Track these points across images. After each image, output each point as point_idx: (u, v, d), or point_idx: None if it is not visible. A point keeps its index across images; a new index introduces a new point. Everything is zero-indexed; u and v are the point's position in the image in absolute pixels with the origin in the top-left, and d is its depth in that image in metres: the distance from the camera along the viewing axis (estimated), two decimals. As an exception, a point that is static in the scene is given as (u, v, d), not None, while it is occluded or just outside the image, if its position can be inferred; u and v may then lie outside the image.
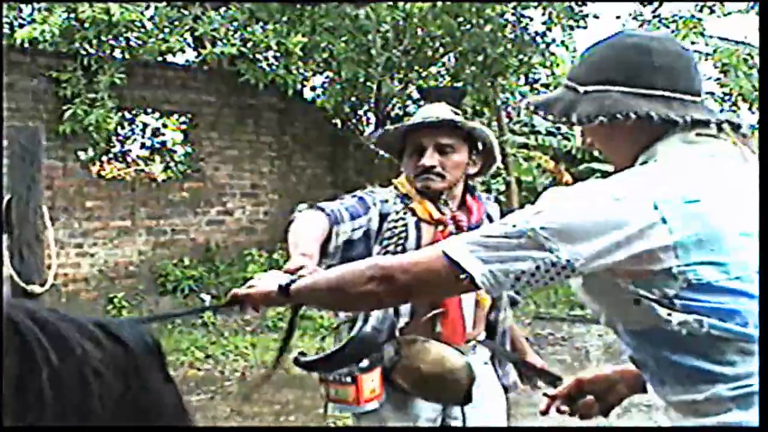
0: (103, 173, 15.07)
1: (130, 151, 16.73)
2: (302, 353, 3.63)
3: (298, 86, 15.84)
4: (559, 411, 2.81)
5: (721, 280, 2.13)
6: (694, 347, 2.14)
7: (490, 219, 4.10)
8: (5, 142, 4.91)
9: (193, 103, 15.13)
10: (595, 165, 13.59)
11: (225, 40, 13.80)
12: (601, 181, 2.27)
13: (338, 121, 17.29)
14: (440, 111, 4.03)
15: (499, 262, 2.18)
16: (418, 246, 3.92)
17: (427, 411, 4.00)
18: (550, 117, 2.43)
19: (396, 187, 4.10)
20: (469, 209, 4.08)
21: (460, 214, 4.03)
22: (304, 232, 3.66)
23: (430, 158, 3.94)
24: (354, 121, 18.15)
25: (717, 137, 2.33)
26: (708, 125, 2.31)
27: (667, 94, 2.33)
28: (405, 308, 3.92)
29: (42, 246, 4.77)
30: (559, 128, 16.88)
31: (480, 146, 4.06)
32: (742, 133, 2.37)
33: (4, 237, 4.59)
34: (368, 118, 18.38)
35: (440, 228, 3.99)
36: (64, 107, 13.05)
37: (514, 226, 2.19)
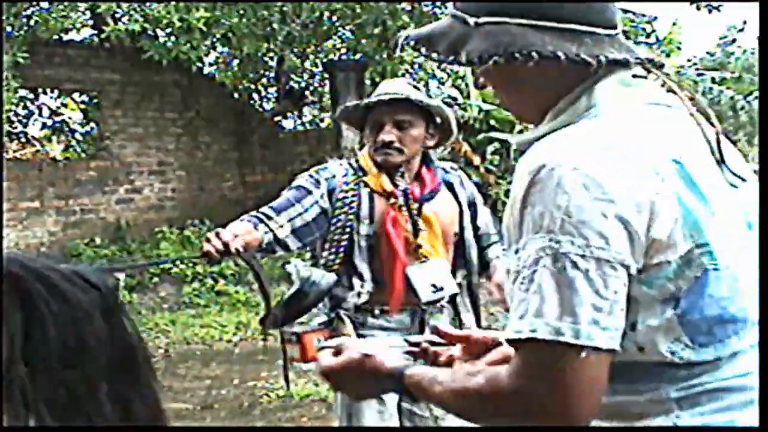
0: (4, 154, 14.86)
1: (26, 132, 16.52)
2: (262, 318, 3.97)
3: (201, 62, 15.76)
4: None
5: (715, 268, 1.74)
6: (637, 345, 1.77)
7: (450, 188, 4.29)
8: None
9: (96, 82, 15.01)
10: (493, 134, 13.73)
11: (127, 17, 13.68)
12: (578, 151, 1.72)
13: (240, 96, 17.24)
14: (399, 87, 4.18)
15: (596, 310, 1.65)
16: (371, 215, 4.16)
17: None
18: (435, 55, 1.96)
19: (357, 160, 4.28)
20: (422, 180, 4.23)
21: (414, 185, 4.19)
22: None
23: (388, 134, 4.11)
24: (255, 96, 18.13)
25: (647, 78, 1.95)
26: (627, 65, 1.89)
27: (575, 27, 1.87)
28: (361, 283, 4.12)
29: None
30: (455, 99, 17.01)
31: (438, 120, 4.21)
32: (665, 73, 1.97)
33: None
34: (268, 93, 18.39)
35: (391, 201, 4.17)
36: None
37: (550, 255, 1.67)
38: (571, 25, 1.87)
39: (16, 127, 15.63)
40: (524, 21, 1.87)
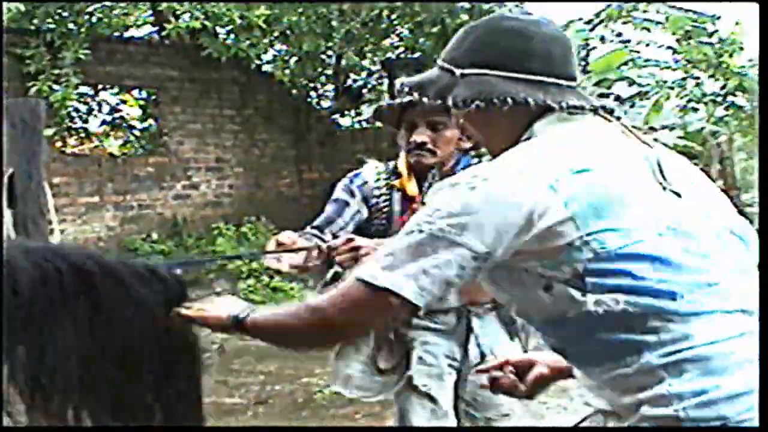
0: (65, 150, 14.96)
1: (86, 128, 16.62)
2: None
3: (260, 60, 15.79)
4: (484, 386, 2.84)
5: (626, 246, 2.08)
6: (612, 323, 2.09)
7: None
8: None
9: (155, 78, 15.07)
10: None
11: (188, 14, 13.73)
12: (486, 165, 2.24)
13: (298, 94, 17.24)
14: None
15: (423, 273, 2.11)
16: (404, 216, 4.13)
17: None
18: (425, 99, 2.39)
19: (396, 162, 4.24)
20: None
21: None
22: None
23: (421, 135, 4.06)
24: (313, 93, 18.13)
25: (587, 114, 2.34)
26: (583, 110, 2.30)
27: (543, 79, 2.32)
28: None
29: (45, 220, 4.76)
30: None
31: None
32: (616, 116, 2.38)
33: (9, 212, 4.58)
34: (326, 91, 18.38)
35: (413, 205, 4.11)
36: (29, 84, 12.94)
37: (420, 231, 2.14)
38: (539, 77, 2.33)
39: (75, 123, 15.71)
40: (501, 73, 2.33)
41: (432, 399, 4.09)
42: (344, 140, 16.93)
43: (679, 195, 2.21)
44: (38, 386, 2.59)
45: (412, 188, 4.12)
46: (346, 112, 18.36)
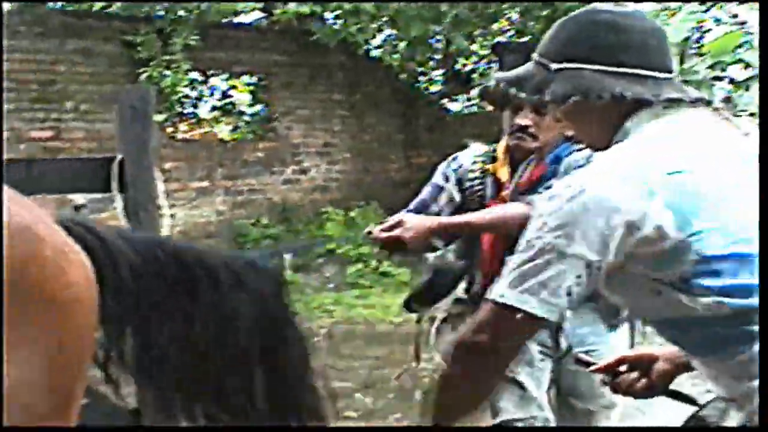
0: (175, 135, 15.15)
1: (196, 114, 16.82)
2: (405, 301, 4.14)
3: (368, 45, 15.82)
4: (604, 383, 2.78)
5: (727, 246, 2.11)
6: (723, 319, 2.12)
7: None
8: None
9: (264, 64, 15.19)
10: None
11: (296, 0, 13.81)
12: (582, 174, 2.28)
13: (407, 79, 17.22)
14: None
15: (542, 286, 2.16)
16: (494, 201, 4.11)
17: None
18: (522, 95, 2.40)
19: (496, 147, 4.21)
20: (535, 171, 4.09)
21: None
22: None
23: (524, 117, 3.97)
24: (422, 78, 18.10)
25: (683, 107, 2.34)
26: (680, 103, 2.31)
27: (639, 72, 2.31)
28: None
29: (155, 206, 4.81)
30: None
31: None
32: (714, 108, 2.38)
33: (120, 198, 4.63)
34: (435, 75, 18.34)
35: (503, 192, 4.10)
36: (140, 71, 13.13)
37: (531, 246, 2.18)
38: (635, 70, 2.31)
39: (186, 109, 15.91)
40: (597, 67, 2.31)
41: (520, 385, 4.07)
42: (453, 125, 16.87)
43: None
44: (147, 375, 2.63)
45: (503, 173, 4.07)
46: (455, 97, 18.30)
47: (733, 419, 2.27)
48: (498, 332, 2.23)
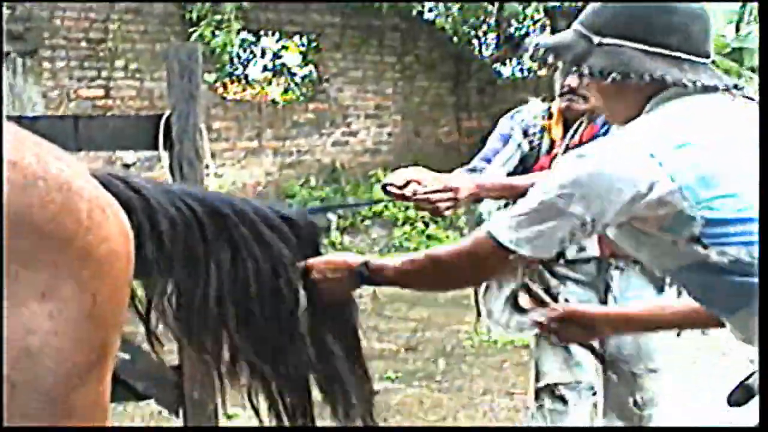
0: (225, 95, 15.21)
1: (246, 75, 16.87)
2: None
3: (422, 7, 15.77)
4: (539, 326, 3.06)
5: (738, 211, 2.18)
6: (740, 269, 2.19)
7: None
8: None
9: (316, 25, 15.18)
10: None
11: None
12: (601, 142, 2.41)
13: (460, 42, 17.16)
14: None
15: (540, 236, 2.30)
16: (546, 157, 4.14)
17: None
18: (560, 64, 2.61)
19: (551, 105, 4.22)
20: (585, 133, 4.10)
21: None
22: None
23: (574, 79, 3.96)
24: (475, 42, 18.03)
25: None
26: (716, 91, 2.34)
27: (680, 55, 2.34)
28: None
29: (200, 162, 4.84)
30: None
31: None
32: (743, 95, 2.39)
33: (166, 154, 4.66)
34: (488, 39, 18.27)
35: (554, 151, 4.10)
36: (191, 30, 13.16)
37: (541, 200, 2.29)
38: (676, 53, 2.33)
39: (236, 69, 15.96)
40: (639, 46, 2.34)
41: (565, 348, 4.08)
42: (504, 89, 16.81)
43: None
44: (188, 326, 2.65)
45: (556, 132, 4.09)
46: (508, 61, 18.22)
47: None
48: (482, 267, 2.47)
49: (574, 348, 4.08)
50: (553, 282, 4.06)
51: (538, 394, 4.20)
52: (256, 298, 2.70)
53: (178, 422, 4.56)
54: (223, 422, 4.91)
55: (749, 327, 2.25)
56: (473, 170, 4.04)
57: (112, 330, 2.24)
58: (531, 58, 4.29)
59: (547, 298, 4.02)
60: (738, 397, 2.43)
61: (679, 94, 2.34)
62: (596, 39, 2.38)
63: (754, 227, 2.17)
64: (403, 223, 13.71)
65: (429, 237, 13.57)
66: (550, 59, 2.48)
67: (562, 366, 4.11)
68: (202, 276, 2.62)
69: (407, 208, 13.50)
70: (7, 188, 1.96)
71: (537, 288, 4.07)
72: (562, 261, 4.09)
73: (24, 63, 11.92)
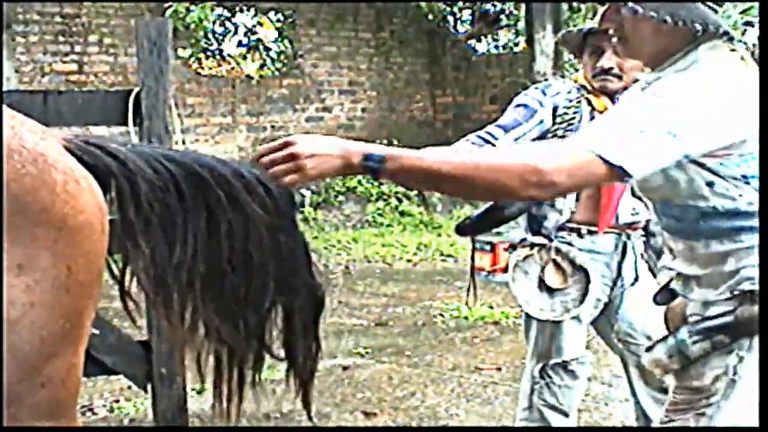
0: (200, 71, 15.19)
1: (221, 50, 16.84)
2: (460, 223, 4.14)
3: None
4: None
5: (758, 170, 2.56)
6: (739, 212, 2.57)
7: None
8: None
9: (291, 0, 15.14)
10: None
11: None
12: (703, 77, 2.53)
13: (435, 18, 17.17)
14: None
15: (649, 161, 2.45)
16: None
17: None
18: (639, 9, 2.52)
19: (575, 81, 4.26)
20: None
21: None
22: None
23: (608, 60, 4.06)
24: (450, 18, 18.04)
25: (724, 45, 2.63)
26: (732, 39, 2.60)
27: (711, 3, 2.57)
28: (563, 199, 4.10)
29: (170, 137, 4.87)
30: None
31: None
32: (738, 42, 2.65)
33: (134, 129, 4.69)
34: (463, 16, 18.28)
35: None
36: (166, 5, 13.14)
37: (657, 126, 2.43)
38: (717, 6, 2.57)
39: (211, 45, 15.94)
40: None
41: (578, 319, 4.18)
42: (479, 66, 16.82)
43: None
44: (161, 284, 2.66)
45: (600, 103, 4.12)
46: (483, 38, 18.24)
47: (696, 293, 2.73)
48: (582, 182, 2.51)
49: (585, 319, 4.19)
50: (577, 255, 4.12)
51: (544, 370, 4.24)
52: (226, 260, 2.72)
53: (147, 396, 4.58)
54: (192, 397, 4.97)
55: (702, 252, 2.67)
56: (485, 140, 4.01)
57: (87, 300, 2.27)
58: (560, 42, 4.35)
59: (576, 271, 4.10)
60: (664, 298, 2.94)
61: (713, 47, 2.59)
62: None
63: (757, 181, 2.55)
64: (377, 199, 13.76)
65: (402, 213, 13.63)
66: (630, 2, 2.55)
67: (575, 339, 4.20)
68: (178, 237, 2.63)
69: (381, 183, 13.54)
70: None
71: (564, 262, 4.15)
72: (584, 231, 4.15)
73: (-3, 37, 11.89)
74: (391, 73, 16.38)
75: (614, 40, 2.71)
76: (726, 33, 2.56)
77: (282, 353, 2.90)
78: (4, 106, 2.17)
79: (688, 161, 2.51)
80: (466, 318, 8.30)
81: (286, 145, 2.43)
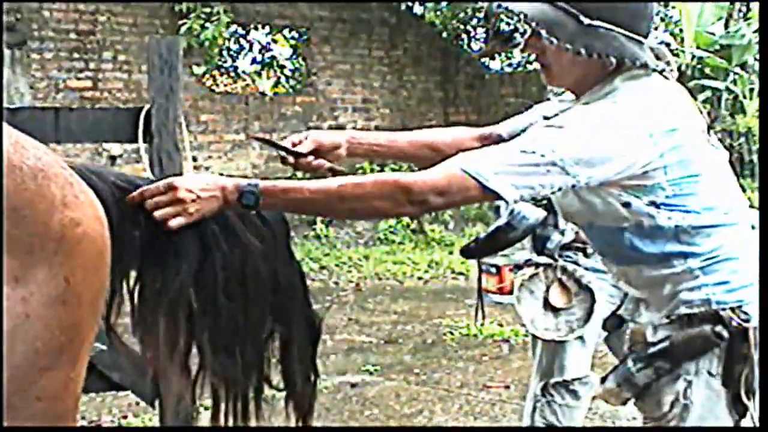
0: (215, 88, 15.24)
1: (236, 67, 16.90)
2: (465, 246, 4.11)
3: (411, 1, 15.82)
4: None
5: (698, 190, 2.55)
6: (668, 236, 2.58)
7: None
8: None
9: (305, 18, 15.19)
10: (706, 82, 13.37)
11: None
12: (605, 109, 2.53)
13: (448, 36, 17.20)
14: None
15: (530, 187, 2.44)
16: None
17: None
18: (553, 41, 2.51)
19: None
20: None
21: None
22: None
23: None
24: (464, 36, 18.08)
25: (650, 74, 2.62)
26: (662, 72, 2.61)
27: (641, 38, 2.57)
28: (567, 222, 4.05)
29: (180, 154, 4.88)
30: (669, 44, 16.62)
31: None
32: (664, 76, 2.64)
33: (144, 147, 4.71)
34: (477, 34, 18.31)
35: None
36: (180, 22, 13.20)
37: (542, 155, 2.42)
38: (640, 37, 2.57)
39: (226, 61, 16.00)
40: (626, 33, 2.53)
41: (581, 339, 4.18)
42: (492, 84, 16.86)
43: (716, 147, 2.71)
44: (150, 315, 2.67)
45: None
46: (496, 56, 18.27)
47: (644, 316, 2.78)
48: (458, 200, 2.52)
49: (589, 340, 4.18)
50: (583, 274, 4.12)
51: (546, 388, 4.24)
52: (222, 291, 2.72)
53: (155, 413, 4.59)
54: (201, 414, 4.97)
55: (645, 277, 2.70)
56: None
57: (87, 313, 2.25)
58: (499, 32, 4.37)
59: (581, 291, 4.10)
60: (612, 324, 3.02)
61: (635, 77, 2.58)
62: (585, 20, 2.51)
63: (692, 201, 2.54)
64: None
65: (413, 231, 13.64)
66: (544, 33, 2.52)
67: (579, 360, 4.19)
68: (171, 269, 2.63)
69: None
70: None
71: (570, 282, 4.16)
72: (590, 250, 4.11)
73: (12, 54, 11.96)
74: (405, 90, 16.40)
75: (539, 66, 2.73)
76: (645, 65, 2.55)
77: (281, 383, 2.89)
78: (5, 123, 2.19)
79: (589, 187, 2.53)
80: (475, 336, 8.32)
81: (170, 188, 2.50)
